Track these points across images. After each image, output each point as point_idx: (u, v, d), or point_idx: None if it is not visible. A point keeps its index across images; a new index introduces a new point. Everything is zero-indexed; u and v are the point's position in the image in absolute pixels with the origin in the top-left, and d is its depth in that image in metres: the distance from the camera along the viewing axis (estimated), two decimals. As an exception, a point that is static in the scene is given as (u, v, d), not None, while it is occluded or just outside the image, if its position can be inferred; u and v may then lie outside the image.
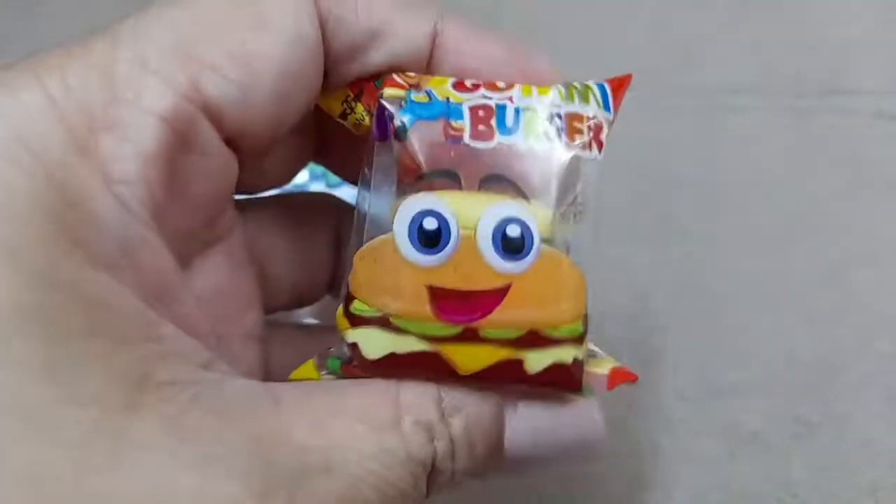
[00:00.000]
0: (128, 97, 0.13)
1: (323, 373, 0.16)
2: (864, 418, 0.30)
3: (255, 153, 0.16)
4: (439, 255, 0.15)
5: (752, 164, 0.35)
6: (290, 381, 0.16)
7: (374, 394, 0.15)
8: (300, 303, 0.20)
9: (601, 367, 0.17)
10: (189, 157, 0.15)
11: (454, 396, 0.15)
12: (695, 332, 0.32)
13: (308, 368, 0.16)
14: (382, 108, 0.16)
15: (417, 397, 0.15)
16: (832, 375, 0.31)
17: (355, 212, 0.17)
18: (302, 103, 0.16)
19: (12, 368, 0.11)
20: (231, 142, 0.16)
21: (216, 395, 0.13)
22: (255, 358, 0.18)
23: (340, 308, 0.16)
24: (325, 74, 0.17)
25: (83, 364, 0.12)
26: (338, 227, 0.21)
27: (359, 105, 0.17)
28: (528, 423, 0.16)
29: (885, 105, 0.36)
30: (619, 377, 0.17)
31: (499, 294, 0.15)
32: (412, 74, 0.17)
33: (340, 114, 0.17)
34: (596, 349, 0.18)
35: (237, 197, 0.18)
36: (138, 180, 0.13)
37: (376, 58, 0.17)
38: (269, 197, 0.20)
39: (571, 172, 0.16)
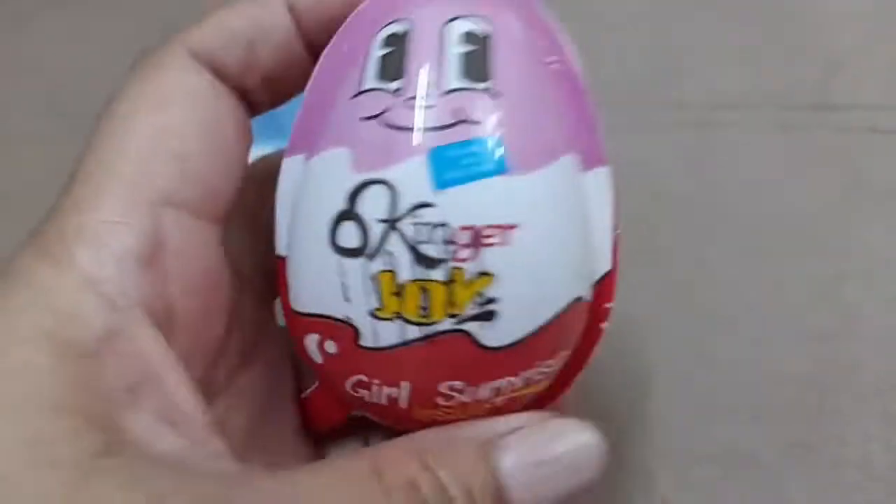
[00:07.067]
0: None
1: None
2: (860, 440, 0.29)
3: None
4: None
5: (742, 181, 0.34)
6: None
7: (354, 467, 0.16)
8: None
9: None
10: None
11: (434, 449, 0.16)
12: (684, 352, 0.31)
13: None
14: None
15: (395, 458, 0.16)
16: (826, 396, 0.30)
17: None
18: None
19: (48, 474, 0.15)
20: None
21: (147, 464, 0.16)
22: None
23: None
24: None
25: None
26: None
27: None
28: (522, 458, 0.17)
29: (879, 120, 0.35)
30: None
31: None
32: None
33: None
34: None
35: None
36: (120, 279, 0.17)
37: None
38: None
39: None
